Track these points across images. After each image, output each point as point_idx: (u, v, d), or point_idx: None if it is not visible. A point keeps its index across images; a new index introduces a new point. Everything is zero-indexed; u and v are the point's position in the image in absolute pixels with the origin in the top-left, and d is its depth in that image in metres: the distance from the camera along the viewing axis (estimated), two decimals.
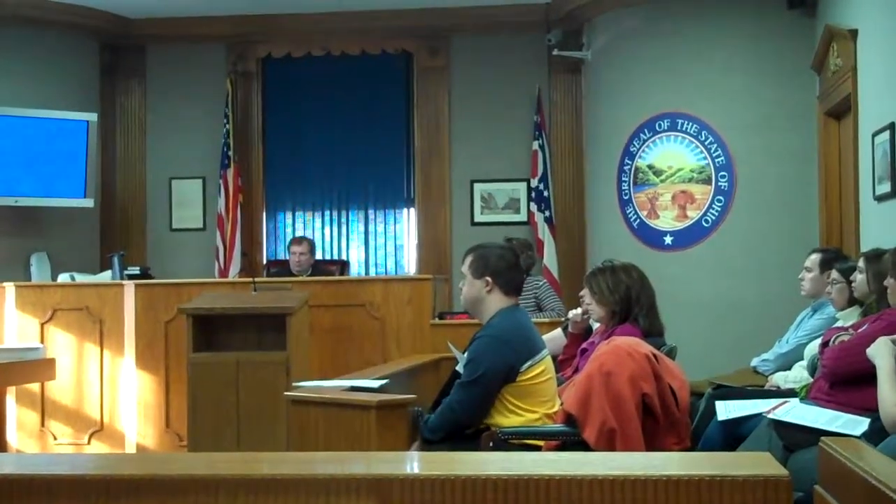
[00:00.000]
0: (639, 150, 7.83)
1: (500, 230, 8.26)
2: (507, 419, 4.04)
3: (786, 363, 5.25)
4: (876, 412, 3.54)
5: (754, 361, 5.47)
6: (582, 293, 5.09)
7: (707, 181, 7.61)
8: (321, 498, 1.88)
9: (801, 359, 5.10)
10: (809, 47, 7.19)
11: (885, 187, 5.64)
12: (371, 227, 9.31)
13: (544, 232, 8.71)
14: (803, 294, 5.51)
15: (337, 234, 9.34)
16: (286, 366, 5.77)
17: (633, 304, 4.77)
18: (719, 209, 7.56)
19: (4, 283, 7.26)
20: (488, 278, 4.18)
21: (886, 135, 5.58)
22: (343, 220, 9.34)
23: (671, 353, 4.59)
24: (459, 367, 4.18)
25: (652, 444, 3.81)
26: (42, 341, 7.02)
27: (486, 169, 9.05)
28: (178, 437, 6.91)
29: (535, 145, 8.84)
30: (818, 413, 3.85)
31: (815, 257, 5.42)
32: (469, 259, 4.27)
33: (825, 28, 6.75)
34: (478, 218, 9.07)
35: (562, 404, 4.12)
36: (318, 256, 8.60)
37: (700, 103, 7.63)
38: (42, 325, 7.09)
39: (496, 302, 4.19)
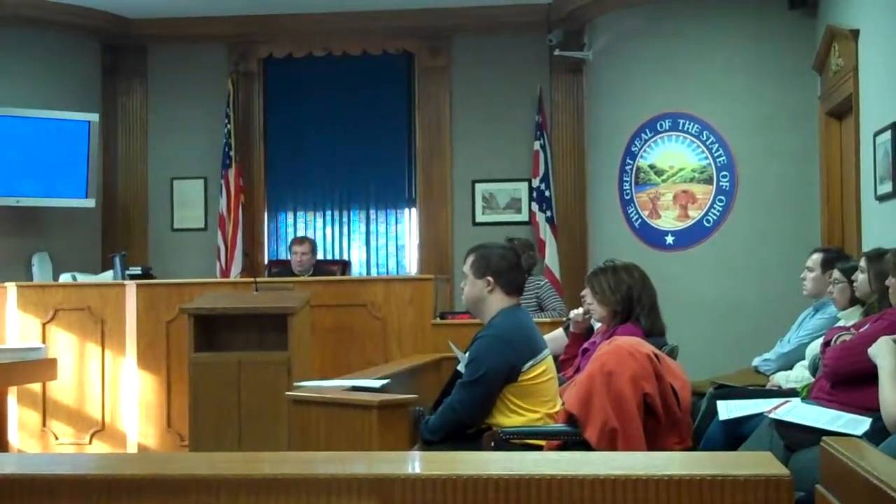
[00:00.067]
0: (640, 149, 7.83)
1: (502, 230, 8.26)
2: (509, 419, 4.04)
3: (787, 363, 5.25)
4: (877, 412, 3.54)
5: (756, 361, 5.47)
6: (583, 293, 5.09)
7: (708, 181, 7.61)
8: (322, 498, 1.88)
9: (803, 358, 5.10)
10: (811, 47, 7.18)
11: (886, 187, 5.64)
12: (372, 227, 9.31)
13: (546, 232, 8.71)
14: (805, 294, 5.51)
15: (338, 234, 9.34)
16: (287, 366, 5.77)
17: (634, 304, 4.77)
18: (721, 209, 7.56)
19: (6, 284, 7.27)
20: (490, 278, 4.17)
21: (888, 135, 5.57)
22: (344, 220, 9.34)
23: (673, 353, 4.59)
24: (461, 367, 4.17)
25: (653, 444, 3.80)
26: (43, 341, 7.02)
27: (488, 169, 9.05)
28: (180, 436, 6.92)
29: (537, 145, 8.84)
30: (820, 413, 3.84)
31: (817, 257, 5.42)
32: (471, 259, 4.27)
33: (826, 28, 6.75)
34: (479, 218, 9.07)
35: (563, 404, 4.12)
36: (320, 256, 8.61)
37: (701, 103, 7.63)
38: (44, 325, 7.10)
39: (498, 302, 4.19)
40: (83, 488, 1.94)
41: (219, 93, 9.09)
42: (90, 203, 8.61)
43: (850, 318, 4.70)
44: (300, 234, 9.05)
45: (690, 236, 7.66)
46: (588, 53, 8.45)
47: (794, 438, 3.79)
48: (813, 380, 4.43)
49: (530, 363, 4.07)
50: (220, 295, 6.59)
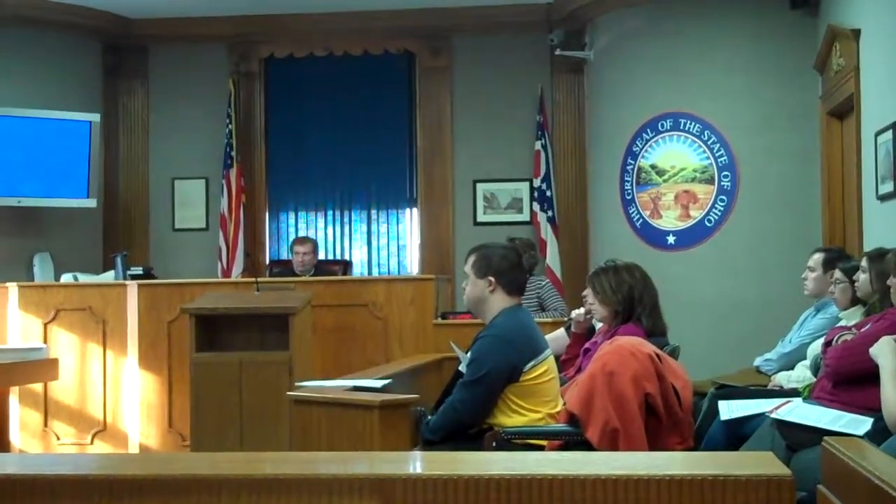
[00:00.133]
0: (641, 149, 7.83)
1: (503, 230, 8.26)
2: (511, 419, 4.04)
3: (789, 363, 5.25)
4: (879, 412, 3.54)
5: (757, 361, 5.47)
6: (585, 293, 5.09)
7: (710, 181, 7.61)
8: (324, 498, 1.88)
9: (804, 358, 5.09)
10: (812, 47, 7.18)
11: (888, 187, 5.64)
12: (374, 227, 9.31)
13: (547, 232, 8.71)
14: (806, 294, 5.51)
15: (340, 234, 9.34)
16: (289, 366, 5.77)
17: (635, 304, 4.77)
18: (722, 209, 7.55)
19: (7, 284, 7.27)
20: (491, 278, 4.17)
21: (889, 134, 5.57)
22: (346, 220, 9.34)
23: (674, 353, 4.59)
24: (462, 367, 4.18)
25: (655, 444, 3.80)
26: (45, 341, 7.03)
27: (489, 169, 9.05)
28: (181, 437, 6.92)
29: (538, 145, 8.84)
30: (821, 413, 3.84)
31: (818, 257, 5.42)
32: (472, 259, 4.27)
33: (827, 28, 6.75)
34: (480, 218, 9.07)
35: (565, 404, 4.12)
36: (321, 256, 8.62)
37: (703, 103, 7.63)
38: (45, 325, 7.10)
39: (499, 302, 4.19)
40: (85, 488, 1.94)
41: (220, 93, 9.09)
42: (91, 203, 8.61)
43: (851, 317, 4.70)
44: (301, 234, 9.05)
45: (692, 236, 7.66)
46: (589, 53, 8.45)
47: (796, 438, 3.79)
48: (814, 380, 4.42)
49: (532, 363, 4.06)
50: (222, 295, 6.59)
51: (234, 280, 8.37)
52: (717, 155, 7.57)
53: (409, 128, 9.27)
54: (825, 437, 2.10)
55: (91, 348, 7.09)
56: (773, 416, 3.98)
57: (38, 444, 7.11)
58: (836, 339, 4.17)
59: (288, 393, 4.63)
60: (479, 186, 9.08)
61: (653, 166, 7.80)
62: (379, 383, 4.63)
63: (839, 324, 4.74)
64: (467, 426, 4.05)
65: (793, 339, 5.38)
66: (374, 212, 9.31)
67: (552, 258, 8.64)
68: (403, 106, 9.29)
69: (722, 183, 7.57)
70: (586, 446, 3.77)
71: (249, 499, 1.90)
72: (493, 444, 3.92)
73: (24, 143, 8.27)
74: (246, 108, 9.25)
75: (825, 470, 2.04)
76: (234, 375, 5.83)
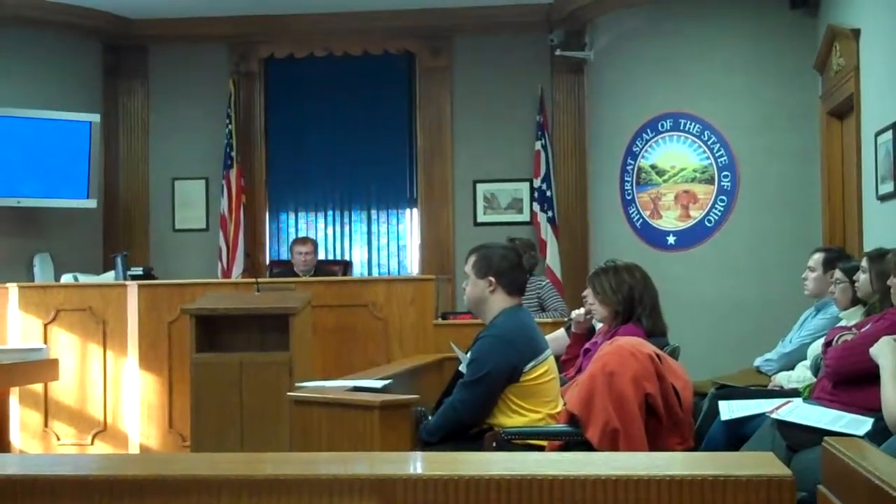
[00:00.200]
0: (641, 149, 7.83)
1: (503, 230, 8.26)
2: (511, 419, 4.04)
3: (789, 363, 5.25)
4: (879, 412, 3.54)
5: (757, 361, 5.47)
6: (585, 293, 5.09)
7: (710, 181, 7.61)
8: (324, 498, 1.88)
9: (805, 358, 5.10)
10: (812, 47, 7.18)
11: (888, 187, 5.64)
12: (374, 228, 9.31)
13: (547, 232, 8.71)
14: (806, 294, 5.51)
15: (340, 234, 9.34)
16: (289, 366, 5.77)
17: (636, 305, 4.77)
18: (722, 209, 7.55)
19: (8, 284, 7.27)
20: (491, 278, 4.18)
21: (889, 134, 5.57)
22: (346, 220, 9.34)
23: (674, 353, 4.59)
24: (462, 368, 4.18)
25: (655, 445, 3.80)
26: (45, 342, 7.03)
27: (489, 169, 9.05)
28: (182, 437, 6.92)
29: (538, 145, 8.84)
30: (821, 413, 3.84)
31: (819, 257, 5.42)
32: (472, 259, 4.27)
33: (827, 28, 6.75)
34: (480, 218, 9.07)
35: (565, 404, 4.12)
36: (321, 257, 8.62)
37: (703, 103, 7.63)
38: (45, 325, 7.10)
39: (499, 302, 4.19)
40: (85, 489, 1.94)
41: (220, 93, 9.09)
42: (91, 203, 8.61)
43: (851, 317, 4.70)
44: (301, 234, 9.05)
45: (692, 236, 7.66)
46: (589, 53, 8.45)
47: (796, 439, 3.79)
48: (814, 380, 4.42)
49: (532, 363, 4.07)
50: (222, 295, 6.58)
51: (234, 280, 8.37)
52: (717, 155, 7.57)
53: (409, 128, 9.27)
54: (825, 438, 2.10)
55: (91, 349, 7.09)
56: (774, 416, 3.98)
57: (38, 445, 7.11)
58: (836, 339, 4.17)
59: (288, 393, 4.63)
60: (480, 186, 9.08)
61: (653, 166, 7.80)
62: (379, 384, 4.63)
63: (839, 324, 4.74)
64: (467, 426, 4.05)
65: (793, 340, 5.38)
66: (374, 212, 9.31)
67: (552, 258, 8.64)
68: (403, 106, 9.29)
69: (722, 183, 7.57)
70: (586, 447, 3.77)
71: (250, 499, 1.90)
72: (494, 444, 3.92)
73: (25, 143, 8.27)
74: (246, 108, 9.25)
75: (825, 470, 2.04)
76: (234, 376, 5.83)
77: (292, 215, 9.41)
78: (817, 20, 7.28)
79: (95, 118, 8.60)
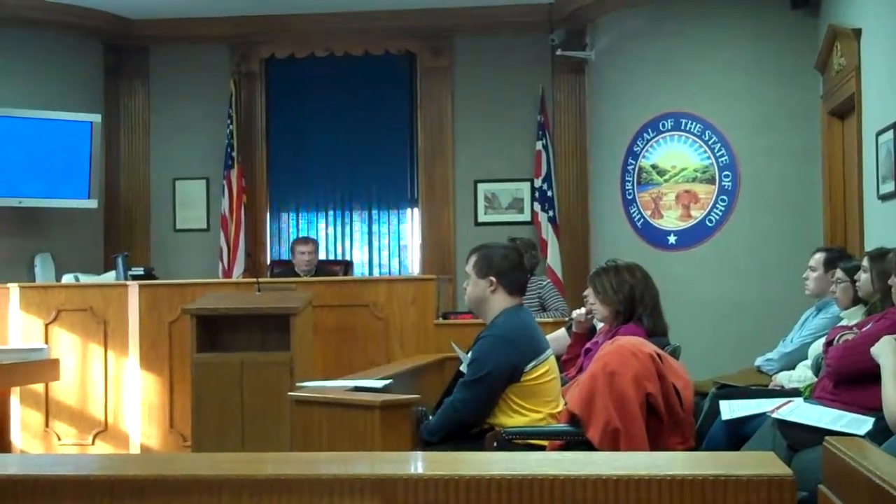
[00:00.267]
0: (642, 149, 7.83)
1: (504, 230, 8.27)
2: (511, 419, 4.04)
3: (790, 363, 5.25)
4: (880, 411, 3.54)
5: (758, 361, 5.47)
6: (586, 293, 5.10)
7: (711, 181, 7.61)
8: (325, 498, 1.88)
9: (806, 358, 5.10)
10: (813, 47, 7.18)
11: (889, 186, 5.64)
12: (375, 228, 9.31)
13: (548, 232, 8.71)
14: (807, 293, 5.51)
15: (340, 234, 9.34)
16: (290, 366, 5.77)
17: (636, 304, 4.77)
18: (723, 209, 7.55)
19: (9, 284, 7.28)
20: (492, 278, 4.18)
21: (890, 134, 5.57)
22: (347, 220, 9.34)
23: (675, 353, 4.59)
24: (463, 367, 4.18)
25: (656, 444, 3.80)
26: (46, 342, 7.03)
27: (490, 169, 9.05)
28: (182, 437, 6.92)
29: (539, 145, 8.84)
30: (822, 412, 3.84)
31: (819, 256, 5.42)
32: (473, 259, 4.27)
33: (829, 28, 6.75)
34: (481, 218, 9.07)
35: (566, 404, 4.12)
36: (322, 257, 8.62)
37: (704, 103, 7.63)
38: (46, 325, 7.11)
39: (500, 302, 4.19)
40: (86, 489, 1.94)
41: (221, 93, 9.09)
42: (92, 204, 8.61)
43: (852, 317, 4.70)
44: (302, 234, 9.05)
45: (693, 236, 7.66)
46: (590, 53, 8.45)
47: (797, 438, 3.79)
48: (815, 379, 4.42)
49: (533, 363, 4.07)
50: (223, 295, 6.58)
51: (235, 280, 8.37)
52: (717, 155, 7.57)
53: (410, 128, 9.27)
54: (826, 437, 2.10)
55: (92, 349, 7.09)
56: (775, 415, 3.98)
57: (39, 445, 7.11)
58: (837, 338, 4.17)
59: (289, 393, 4.63)
60: (480, 186, 9.08)
61: (654, 166, 7.80)
62: (380, 383, 4.63)
63: (840, 323, 4.74)
64: (468, 426, 4.05)
65: (794, 339, 5.38)
66: (374, 212, 9.31)
67: (553, 258, 8.64)
68: (404, 106, 9.29)
69: (723, 183, 7.56)
70: (587, 446, 3.77)
71: (251, 499, 1.90)
72: (494, 444, 3.93)
73: (25, 143, 8.27)
74: (247, 108, 9.25)
75: (826, 470, 2.04)
76: (235, 376, 5.83)
77: (293, 215, 9.41)
78: (818, 20, 7.28)
79: (96, 118, 8.60)
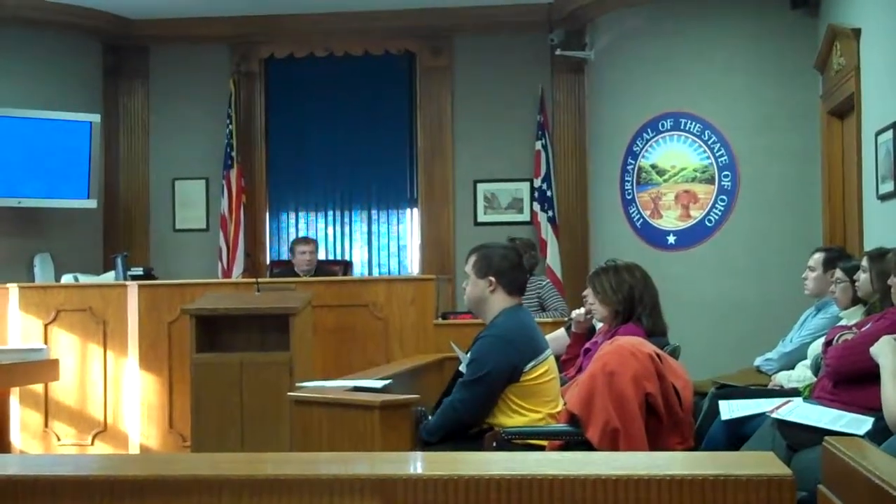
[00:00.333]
0: (642, 149, 7.83)
1: (504, 230, 8.27)
2: (511, 419, 4.04)
3: (789, 362, 5.25)
4: (880, 411, 3.54)
5: (758, 361, 5.47)
6: (585, 293, 5.09)
7: (710, 181, 7.61)
8: (325, 498, 1.89)
9: (805, 358, 5.10)
10: (812, 47, 7.18)
11: (888, 186, 5.64)
12: (374, 228, 9.31)
13: (547, 232, 8.71)
14: (807, 293, 5.51)
15: (340, 234, 9.34)
16: (289, 366, 5.77)
17: (636, 304, 4.77)
18: (722, 209, 7.55)
19: (8, 285, 7.27)
20: (492, 278, 4.18)
21: (890, 134, 5.57)
22: (346, 220, 9.34)
23: (674, 353, 4.59)
24: (462, 367, 4.18)
25: (655, 444, 3.80)
26: (45, 342, 7.03)
27: (489, 169, 9.05)
28: (182, 437, 6.92)
29: (538, 145, 8.84)
30: (822, 412, 3.84)
31: (819, 256, 5.42)
32: (472, 259, 4.27)
33: (828, 27, 6.75)
34: (481, 218, 9.07)
35: (565, 404, 4.12)
36: (321, 257, 8.62)
37: (703, 103, 7.63)
38: (45, 325, 7.10)
39: (500, 302, 4.19)
40: (85, 489, 1.94)
41: (220, 93, 9.09)
42: (92, 204, 8.61)
43: (852, 317, 4.70)
44: (302, 234, 9.05)
45: (692, 236, 7.66)
46: (589, 53, 8.45)
47: (797, 438, 3.79)
48: (815, 379, 4.42)
49: (532, 363, 4.07)
50: (222, 295, 6.59)
51: (234, 280, 8.37)
52: (717, 155, 7.57)
53: (410, 128, 9.27)
54: (826, 437, 2.10)
55: (91, 349, 7.09)
56: (774, 415, 3.98)
57: (38, 445, 7.11)
58: (836, 338, 4.17)
59: (288, 393, 4.63)
60: (480, 186, 9.08)
61: (653, 166, 7.80)
62: (379, 384, 4.63)
63: (839, 323, 4.74)
64: (467, 426, 4.05)
65: (793, 339, 5.38)
66: (374, 212, 9.31)
67: (552, 258, 8.64)
68: (404, 106, 9.29)
69: (722, 183, 7.57)
70: (587, 446, 3.77)
71: (251, 499, 1.90)
72: (494, 444, 3.92)
73: (25, 143, 8.27)
74: (246, 108, 9.25)
75: (826, 470, 2.04)
76: (234, 376, 5.84)
77: (293, 215, 9.41)
78: (818, 20, 7.28)
79: (96, 118, 8.60)
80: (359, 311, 6.93)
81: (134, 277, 7.43)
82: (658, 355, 3.98)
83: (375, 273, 9.20)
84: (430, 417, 4.11)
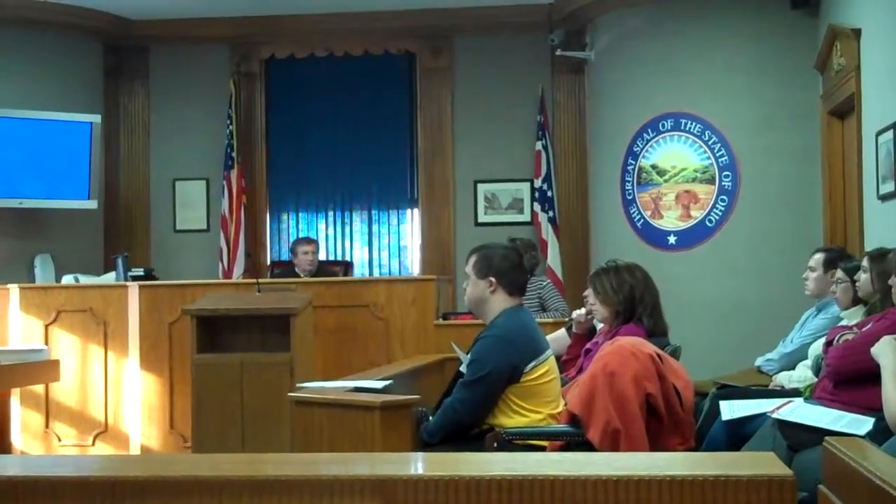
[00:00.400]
0: (642, 149, 7.83)
1: (504, 230, 8.26)
2: (512, 420, 4.04)
3: (790, 363, 5.25)
4: (880, 411, 3.54)
5: (758, 361, 5.47)
6: (586, 293, 5.09)
7: (711, 181, 7.61)
8: (325, 499, 1.89)
9: (806, 358, 5.10)
10: (812, 47, 7.18)
11: (888, 186, 5.64)
12: (375, 228, 9.31)
13: (548, 232, 8.71)
14: (807, 293, 5.51)
15: (340, 234, 9.34)
16: (290, 367, 5.77)
17: (636, 304, 4.77)
18: (723, 209, 7.55)
19: (9, 285, 7.27)
20: (492, 278, 4.18)
21: (890, 134, 5.57)
22: (347, 220, 9.34)
23: (675, 353, 4.59)
24: (463, 368, 4.18)
25: (656, 445, 3.80)
26: (46, 343, 7.03)
27: (490, 169, 9.05)
28: (183, 438, 6.92)
29: (539, 145, 8.84)
30: (822, 413, 3.84)
31: (819, 257, 5.42)
32: (473, 259, 4.27)
33: (828, 27, 6.75)
34: (481, 218, 9.07)
35: (566, 405, 4.12)
36: (322, 257, 8.62)
37: (703, 103, 7.63)
38: (46, 326, 7.10)
39: (500, 302, 4.19)
40: (86, 490, 1.94)
41: (221, 94, 9.09)
42: (92, 204, 8.61)
43: (852, 317, 4.70)
44: (302, 234, 9.05)
45: (693, 236, 7.66)
46: (590, 53, 8.45)
47: (797, 438, 3.79)
48: (816, 380, 4.42)
49: (533, 364, 4.07)
50: (223, 296, 6.59)
51: (235, 281, 8.37)
52: (717, 155, 7.57)
53: (410, 128, 9.27)
54: (826, 437, 2.10)
55: (92, 350, 7.09)
56: (775, 416, 3.98)
57: (39, 446, 7.11)
58: (837, 338, 4.17)
59: (289, 394, 4.63)
60: (480, 187, 9.08)
61: (654, 166, 7.80)
62: (380, 384, 4.63)
63: (840, 323, 4.74)
64: (467, 426, 4.05)
65: (794, 339, 5.38)
66: (374, 212, 9.31)
67: (553, 258, 8.64)
68: (404, 106, 9.29)
69: (723, 183, 7.57)
70: (587, 447, 3.77)
71: (251, 500, 1.90)
72: (495, 444, 3.92)
73: (25, 144, 8.27)
74: (247, 108, 9.25)
75: (826, 470, 2.04)
76: (235, 376, 5.84)
77: (293, 216, 9.41)
78: (818, 20, 7.28)
79: (96, 119, 8.60)
80: (359, 312, 6.93)
81: (135, 278, 7.44)
82: (659, 356, 3.98)
83: (376, 273, 9.20)
84: (430, 418, 4.11)
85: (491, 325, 4.18)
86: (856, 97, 6.22)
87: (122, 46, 9.27)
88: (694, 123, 7.63)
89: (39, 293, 7.25)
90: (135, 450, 7.07)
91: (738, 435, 4.29)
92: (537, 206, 8.83)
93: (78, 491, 1.95)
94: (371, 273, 9.21)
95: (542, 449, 3.96)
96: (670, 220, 7.73)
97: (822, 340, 4.56)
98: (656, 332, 4.69)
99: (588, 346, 5.03)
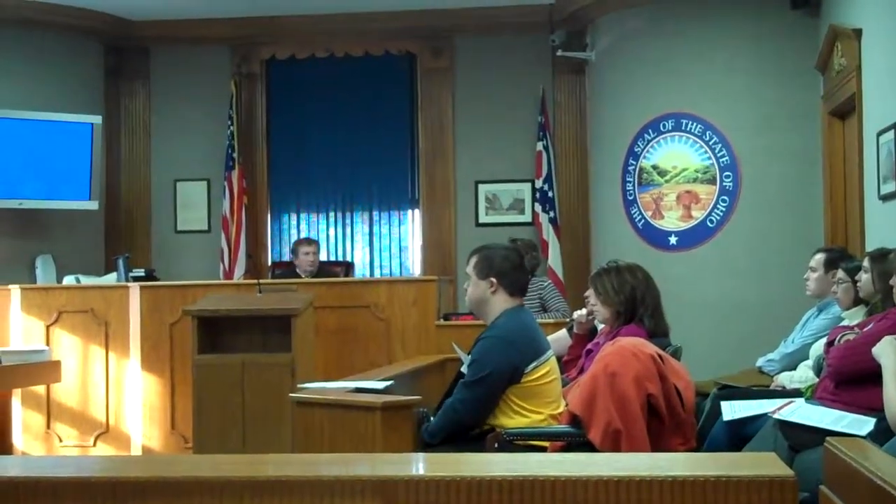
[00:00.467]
0: (643, 150, 7.83)
1: (505, 231, 8.26)
2: (512, 420, 4.04)
3: (791, 363, 5.24)
4: (881, 412, 3.54)
5: (760, 361, 5.47)
6: (587, 294, 5.10)
7: (712, 181, 7.61)
8: (326, 499, 1.89)
9: (807, 359, 5.10)
10: (813, 47, 7.18)
11: (890, 186, 5.64)
12: (376, 229, 9.31)
13: (549, 233, 8.71)
14: (808, 294, 5.51)
15: (341, 235, 9.35)
16: (291, 367, 5.77)
17: (637, 305, 4.77)
18: (724, 209, 7.55)
19: (10, 286, 7.28)
20: (493, 279, 4.18)
21: (891, 134, 5.57)
22: (348, 221, 9.35)
23: (676, 354, 4.59)
24: (464, 368, 4.18)
25: (657, 445, 3.80)
26: (47, 343, 7.03)
27: (491, 170, 9.05)
28: (184, 438, 6.92)
29: (540, 146, 8.84)
30: (823, 413, 3.84)
31: (820, 257, 5.42)
32: (474, 260, 4.27)
33: (829, 28, 6.75)
34: (482, 219, 9.07)
35: (567, 405, 4.12)
36: (323, 258, 8.62)
37: (704, 104, 7.63)
38: (47, 327, 7.10)
39: (501, 303, 4.19)
40: (87, 491, 1.95)
41: (222, 94, 9.10)
42: (93, 205, 8.61)
43: (853, 317, 4.70)
44: (303, 235, 9.05)
45: (694, 237, 7.66)
46: (590, 54, 8.45)
47: (798, 439, 3.79)
48: (817, 380, 4.42)
49: (534, 364, 4.07)
50: (224, 297, 6.59)
51: (236, 282, 8.37)
52: (718, 155, 7.57)
53: (411, 129, 9.27)
54: (827, 438, 2.10)
55: (93, 350, 7.09)
56: (776, 416, 3.98)
57: (40, 447, 7.11)
58: (838, 338, 4.17)
59: (290, 394, 4.63)
60: (481, 187, 9.08)
61: (654, 167, 7.80)
62: (381, 385, 4.63)
63: (841, 324, 4.74)
64: (468, 427, 4.05)
65: (795, 340, 5.38)
66: (375, 213, 9.31)
67: (554, 259, 8.64)
68: (405, 107, 9.30)
69: (724, 183, 7.56)
70: (589, 447, 3.77)
71: (252, 500, 1.90)
72: (496, 445, 3.92)
73: (26, 145, 8.28)
74: (247, 109, 9.26)
75: (827, 470, 2.04)
76: (236, 377, 5.84)
77: (294, 216, 9.41)
78: (819, 20, 7.27)
79: (97, 120, 8.60)
80: (360, 313, 6.93)
81: (136, 279, 7.44)
82: (660, 356, 3.98)
83: (377, 274, 9.21)
84: (431, 419, 4.11)
85: (492, 325, 4.18)
86: (856, 97, 6.22)
87: (123, 47, 9.27)
88: (695, 124, 7.63)
89: (40, 294, 7.25)
90: (136, 450, 7.07)
91: (740, 435, 4.30)
92: (538, 207, 8.83)
93: (79, 492, 1.95)
94: (372, 274, 9.22)
95: (543, 449, 3.96)
96: (671, 221, 7.73)
97: (824, 341, 4.56)
98: (657, 333, 4.69)
99: (589, 346, 5.03)
